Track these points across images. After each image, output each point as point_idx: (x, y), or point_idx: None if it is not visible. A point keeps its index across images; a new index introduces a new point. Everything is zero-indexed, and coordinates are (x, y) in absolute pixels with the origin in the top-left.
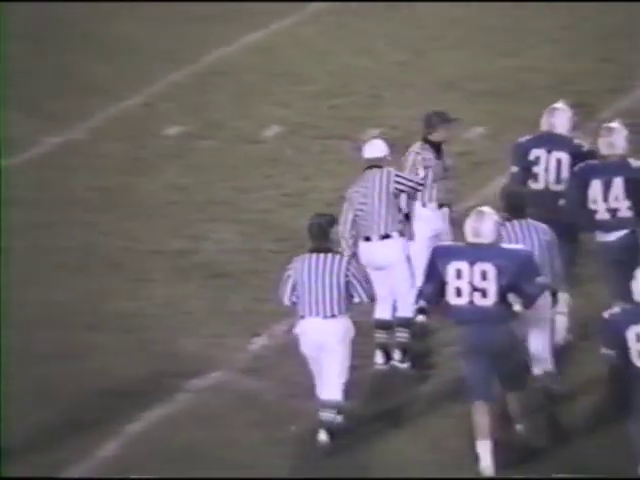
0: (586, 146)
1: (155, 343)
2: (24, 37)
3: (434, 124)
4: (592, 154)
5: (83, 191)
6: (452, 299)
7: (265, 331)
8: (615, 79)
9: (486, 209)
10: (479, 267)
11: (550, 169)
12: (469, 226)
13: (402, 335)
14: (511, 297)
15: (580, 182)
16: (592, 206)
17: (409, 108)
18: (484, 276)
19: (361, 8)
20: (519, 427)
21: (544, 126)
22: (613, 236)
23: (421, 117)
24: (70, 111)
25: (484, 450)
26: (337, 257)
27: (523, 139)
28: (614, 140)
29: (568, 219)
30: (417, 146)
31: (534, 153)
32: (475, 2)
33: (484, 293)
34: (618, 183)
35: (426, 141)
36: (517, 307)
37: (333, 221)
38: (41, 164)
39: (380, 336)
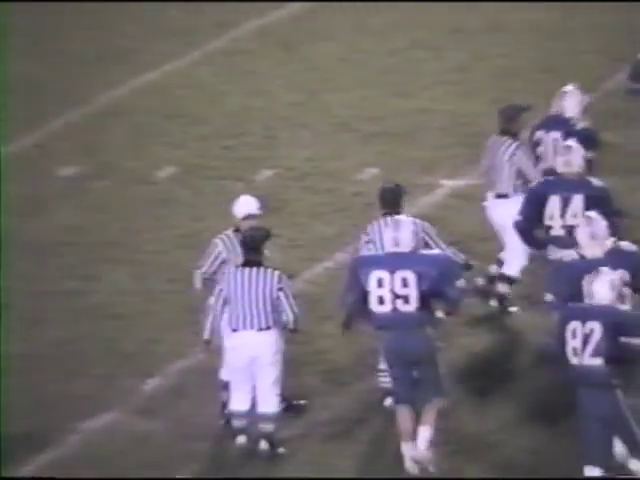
0: (581, 125)
1: (47, 384)
2: None
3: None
4: (585, 132)
5: None
6: (375, 307)
7: (159, 372)
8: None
9: (403, 218)
10: (399, 275)
11: (548, 149)
12: (388, 236)
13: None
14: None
15: (538, 198)
16: (548, 222)
17: (304, 148)
18: (405, 283)
19: (254, 49)
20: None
21: (554, 109)
22: (566, 254)
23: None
24: None
25: (408, 451)
26: (268, 271)
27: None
28: (571, 159)
29: (519, 234)
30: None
31: (537, 135)
32: (367, 43)
33: (406, 299)
34: (577, 200)
35: (506, 132)
36: (440, 314)
37: (266, 236)
38: None
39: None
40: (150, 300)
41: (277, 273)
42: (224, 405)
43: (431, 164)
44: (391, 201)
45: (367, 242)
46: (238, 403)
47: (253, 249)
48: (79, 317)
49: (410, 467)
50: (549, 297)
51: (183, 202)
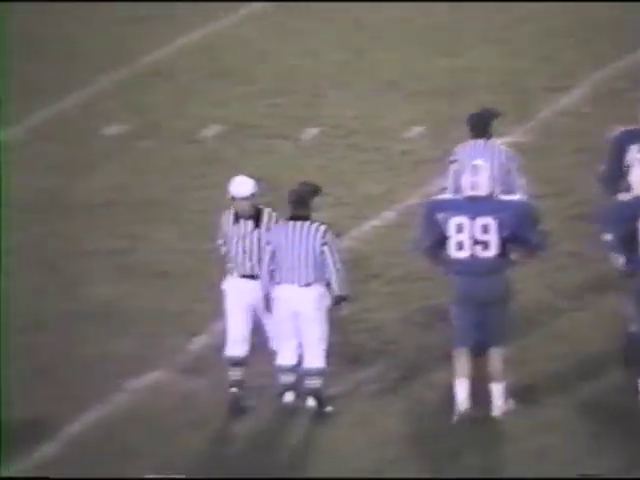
0: None
1: (92, 343)
2: None
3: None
4: None
5: (19, 192)
6: (453, 252)
7: (204, 330)
8: (553, 78)
9: (481, 162)
10: (480, 221)
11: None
12: (467, 180)
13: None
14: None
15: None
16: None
17: (351, 107)
18: (485, 229)
19: (301, 8)
20: (494, 386)
21: None
22: None
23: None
24: (7, 112)
25: (461, 388)
26: (314, 225)
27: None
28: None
29: (604, 185)
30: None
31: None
32: (413, 2)
33: (486, 246)
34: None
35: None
36: (515, 256)
37: (314, 191)
38: None
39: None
40: (196, 259)
41: (323, 228)
42: (233, 384)
43: None
44: (479, 125)
45: (452, 162)
46: (284, 358)
47: (300, 203)
48: (125, 276)
49: (461, 402)
50: (607, 237)
51: (229, 161)
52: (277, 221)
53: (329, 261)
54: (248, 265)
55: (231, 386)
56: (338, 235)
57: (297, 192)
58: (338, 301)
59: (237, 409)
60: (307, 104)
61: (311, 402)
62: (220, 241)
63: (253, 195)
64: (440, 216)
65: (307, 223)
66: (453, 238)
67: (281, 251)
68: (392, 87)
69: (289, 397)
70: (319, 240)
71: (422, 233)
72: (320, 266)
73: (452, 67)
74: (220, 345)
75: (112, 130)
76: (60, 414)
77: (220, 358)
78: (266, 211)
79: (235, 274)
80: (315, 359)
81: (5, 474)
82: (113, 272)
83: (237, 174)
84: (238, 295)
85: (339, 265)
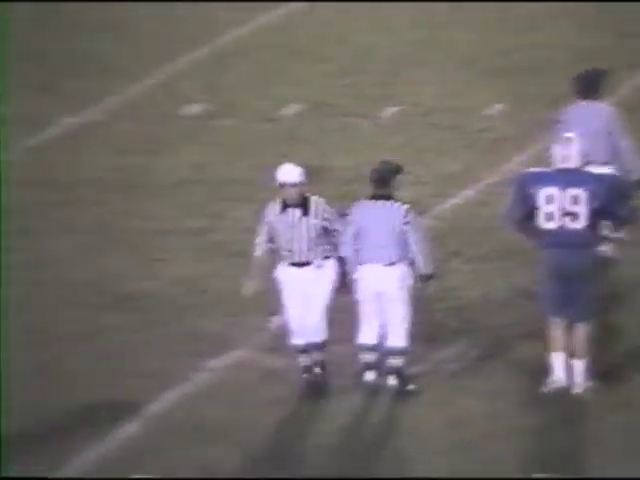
0: None
1: (173, 323)
2: (42, 17)
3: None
4: None
5: (100, 171)
6: (543, 223)
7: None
8: (634, 54)
9: (572, 135)
10: (570, 192)
11: None
12: (558, 153)
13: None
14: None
15: None
16: None
17: (429, 85)
18: (575, 201)
19: None
20: (576, 363)
21: None
22: None
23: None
24: (88, 92)
25: (557, 362)
26: (396, 204)
27: None
28: None
29: None
30: None
31: None
32: None
33: (575, 217)
34: None
35: None
36: (606, 231)
37: (396, 170)
38: (59, 144)
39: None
40: None
41: (405, 207)
42: (305, 370)
43: (557, 99)
44: (584, 86)
45: (560, 122)
46: (366, 337)
47: (382, 182)
48: (204, 255)
49: (558, 379)
50: None
51: (308, 139)
52: (324, 207)
53: (412, 240)
54: (297, 253)
55: (303, 372)
56: (419, 214)
57: (379, 171)
58: (424, 280)
59: (315, 391)
60: (386, 83)
61: (393, 381)
62: (260, 238)
63: (301, 182)
64: (531, 188)
65: (389, 202)
66: (543, 209)
67: (363, 231)
68: (471, 64)
69: (370, 376)
70: (401, 219)
71: (513, 206)
72: (403, 245)
73: (531, 44)
74: None
75: (191, 110)
76: (142, 393)
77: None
78: (313, 199)
79: (285, 263)
80: (398, 338)
81: (5, 474)
82: (193, 251)
83: (316, 153)
84: (291, 283)
85: (423, 244)
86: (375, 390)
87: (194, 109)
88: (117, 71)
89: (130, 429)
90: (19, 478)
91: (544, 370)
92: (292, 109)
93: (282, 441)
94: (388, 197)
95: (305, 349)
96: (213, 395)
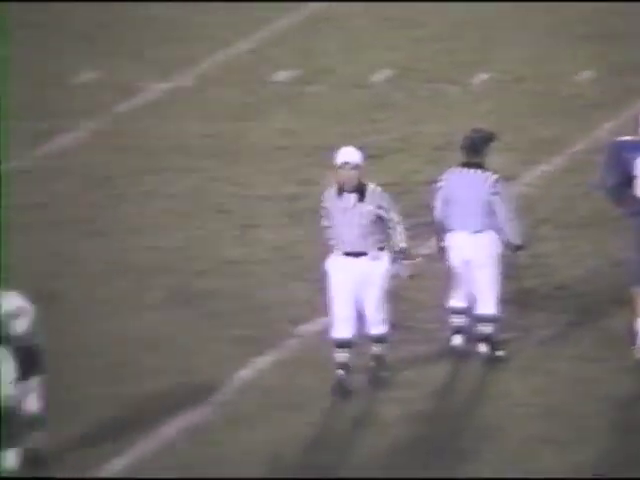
0: None
1: (265, 288)
2: None
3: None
4: None
5: (192, 137)
6: (638, 193)
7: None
8: None
9: None
10: None
11: None
12: None
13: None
14: None
15: None
16: None
17: (520, 51)
18: None
19: None
20: None
21: None
22: None
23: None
24: (179, 58)
25: None
26: (486, 173)
27: None
28: None
29: None
30: None
31: None
32: None
33: None
34: None
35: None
36: None
37: (488, 138)
38: (151, 111)
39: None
40: None
41: (494, 177)
42: (340, 366)
43: None
44: (469, 149)
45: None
46: (456, 300)
47: (472, 150)
48: (296, 221)
49: None
50: None
51: (398, 105)
52: (381, 195)
53: (500, 210)
54: (351, 241)
55: (338, 368)
56: (508, 180)
57: (470, 139)
58: (513, 250)
59: (342, 392)
60: (477, 49)
61: (483, 348)
62: (325, 222)
63: (360, 165)
64: (627, 156)
65: (479, 171)
66: (639, 178)
67: (452, 198)
68: (562, 31)
69: (457, 340)
70: (489, 189)
71: (606, 172)
72: (491, 213)
73: (624, 10)
74: (392, 289)
75: (282, 75)
76: (234, 358)
77: (391, 302)
78: (370, 185)
79: (338, 252)
80: (487, 305)
81: (5, 474)
82: (285, 218)
83: (407, 119)
84: (342, 275)
85: (512, 214)
86: (463, 355)
87: (285, 75)
88: (207, 37)
89: (222, 397)
90: (19, 478)
91: (633, 337)
92: (383, 75)
93: (369, 408)
94: (478, 165)
95: (345, 343)
96: (303, 362)
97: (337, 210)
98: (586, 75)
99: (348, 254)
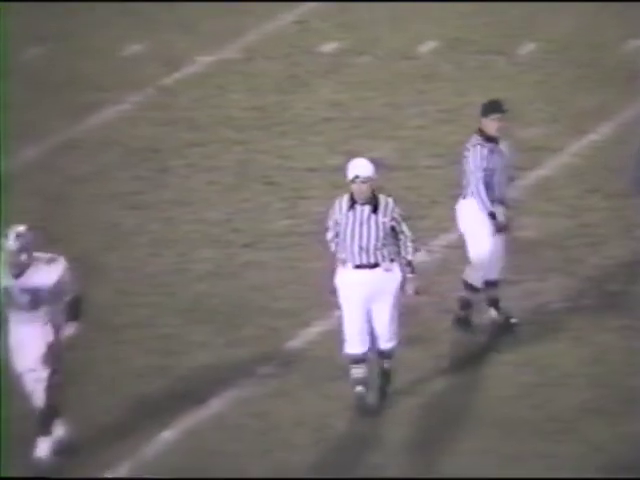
0: None
1: (311, 260)
2: None
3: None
4: None
5: (238, 110)
6: None
7: (424, 246)
8: None
9: None
10: None
11: None
12: None
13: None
14: None
15: None
16: None
17: (566, 21)
18: None
19: None
20: None
21: None
22: None
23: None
24: (225, 30)
25: None
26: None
27: None
28: None
29: None
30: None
31: None
32: None
33: None
34: None
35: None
36: None
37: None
38: (197, 83)
39: None
40: (413, 175)
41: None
42: (357, 382)
43: None
44: None
45: None
46: (491, 274)
47: None
48: (342, 193)
49: None
50: None
51: (445, 77)
52: (393, 207)
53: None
54: (364, 254)
55: (356, 385)
56: (555, 151)
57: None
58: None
59: (364, 407)
60: (523, 19)
61: (493, 313)
62: (330, 234)
63: (372, 178)
64: None
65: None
66: None
67: (489, 173)
68: (607, 0)
69: (493, 313)
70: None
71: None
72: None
73: None
74: (439, 261)
75: (329, 47)
76: (281, 330)
77: (439, 274)
78: (382, 197)
79: (349, 265)
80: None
81: (5, 474)
82: (331, 189)
83: (454, 90)
84: (353, 289)
85: None
86: (497, 325)
87: (332, 47)
88: (253, 9)
89: (269, 370)
90: (19, 478)
91: None
92: (429, 46)
93: (415, 377)
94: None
95: (360, 359)
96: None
97: (350, 222)
98: (632, 44)
99: (359, 267)
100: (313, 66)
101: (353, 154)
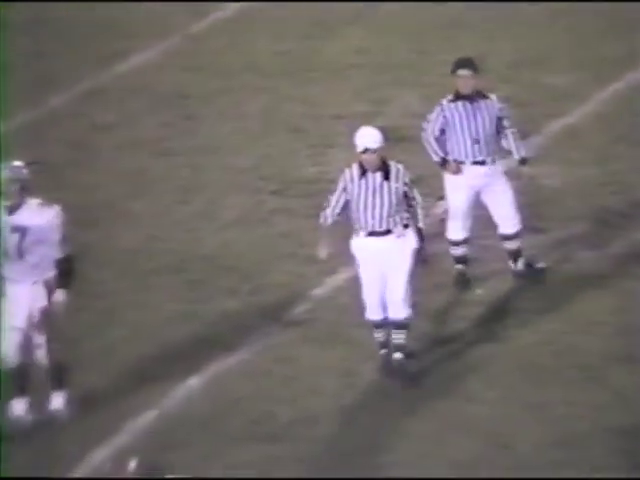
0: None
1: None
2: None
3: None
4: None
5: (265, 56)
6: None
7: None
8: None
9: None
10: None
11: None
12: None
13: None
14: None
15: None
16: None
17: None
18: None
19: None
20: None
21: None
22: None
23: None
24: None
25: None
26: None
27: None
28: None
29: None
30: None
31: None
32: None
33: None
34: None
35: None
36: None
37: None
38: (223, 30)
39: None
40: None
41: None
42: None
43: None
44: None
45: None
46: (513, 226)
47: None
48: None
49: None
50: None
51: (472, 24)
52: (404, 172)
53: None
54: (377, 220)
55: (380, 347)
56: (582, 99)
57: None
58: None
59: (388, 369)
60: None
61: (514, 265)
62: (330, 208)
63: (382, 147)
64: None
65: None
66: None
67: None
68: None
69: (520, 265)
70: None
71: None
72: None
73: None
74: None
75: None
76: (309, 276)
77: (480, 229)
78: (393, 163)
79: (362, 233)
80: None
81: (5, 474)
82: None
83: (482, 36)
84: (368, 256)
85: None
86: (522, 274)
87: None
88: None
89: (298, 314)
90: (19, 478)
91: None
92: None
93: (442, 324)
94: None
95: (381, 324)
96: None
97: (363, 190)
98: None
99: (372, 234)
100: (341, 12)
101: (380, 101)
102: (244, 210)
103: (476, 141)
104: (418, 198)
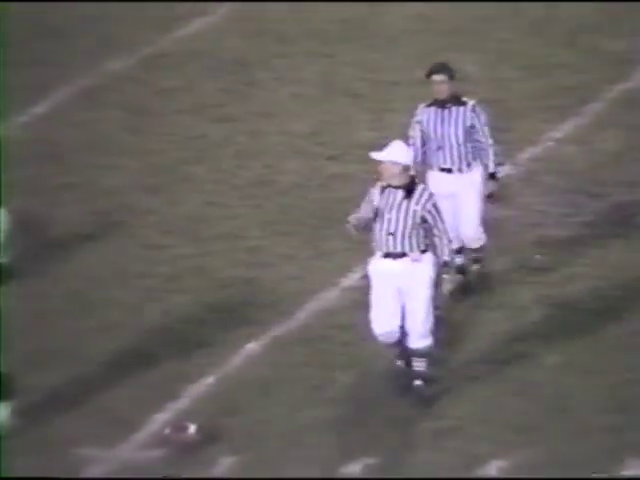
0: None
1: None
2: None
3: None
4: None
5: (323, 22)
6: None
7: (509, 160)
8: None
9: None
10: None
11: None
12: None
13: None
14: None
15: None
16: None
17: None
18: None
19: None
20: None
21: None
22: None
23: None
24: None
25: None
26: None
27: None
28: None
29: None
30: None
31: None
32: None
33: None
34: None
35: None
36: None
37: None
38: None
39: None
40: (500, 88)
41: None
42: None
43: None
44: None
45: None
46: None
47: None
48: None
49: None
50: None
51: None
52: (431, 199)
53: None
54: (391, 241)
55: (396, 359)
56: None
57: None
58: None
59: (404, 389)
60: None
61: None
62: (353, 219)
63: (407, 166)
64: None
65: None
66: None
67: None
68: None
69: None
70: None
71: None
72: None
73: None
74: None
75: None
76: (366, 243)
77: (524, 187)
78: (421, 185)
79: (379, 254)
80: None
81: (5, 474)
82: (417, 101)
83: (543, 3)
84: (383, 277)
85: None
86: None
87: None
88: None
89: (352, 281)
90: (19, 478)
91: None
92: None
93: (500, 289)
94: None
95: (391, 345)
96: None
97: (382, 206)
98: None
99: (387, 255)
100: None
101: None
102: (302, 175)
103: (439, 148)
104: (443, 229)
